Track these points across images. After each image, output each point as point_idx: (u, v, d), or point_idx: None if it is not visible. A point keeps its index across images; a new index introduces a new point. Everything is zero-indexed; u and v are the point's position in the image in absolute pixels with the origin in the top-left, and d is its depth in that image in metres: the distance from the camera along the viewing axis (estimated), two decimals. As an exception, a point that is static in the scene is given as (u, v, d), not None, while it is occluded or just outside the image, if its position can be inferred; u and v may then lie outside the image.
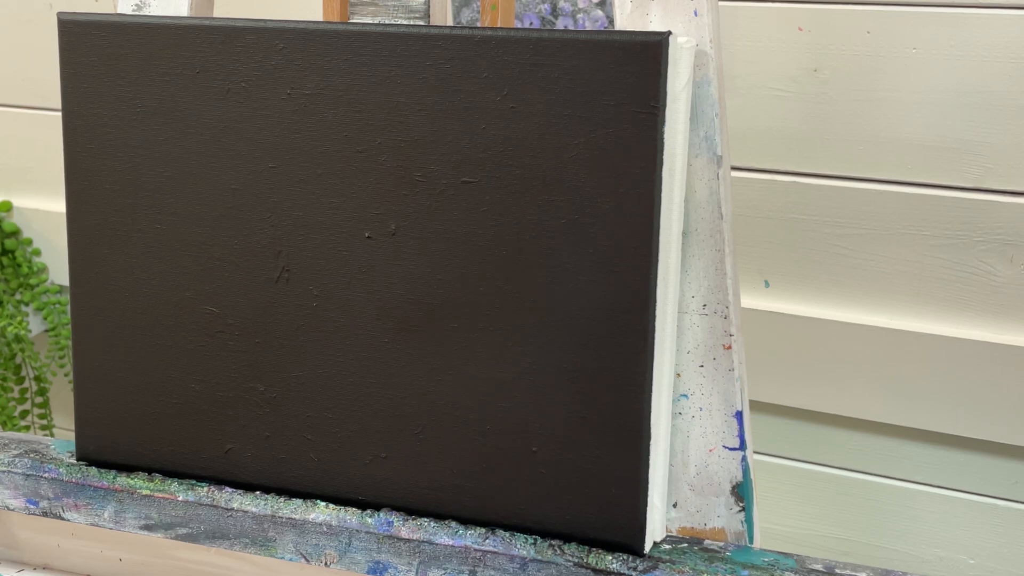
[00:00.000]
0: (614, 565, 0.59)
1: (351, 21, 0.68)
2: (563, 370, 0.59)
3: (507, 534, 0.61)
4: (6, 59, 1.29)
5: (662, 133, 0.56)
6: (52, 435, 1.36)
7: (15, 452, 0.71)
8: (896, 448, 1.03)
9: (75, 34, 0.66)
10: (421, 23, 0.67)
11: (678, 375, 0.62)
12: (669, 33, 0.55)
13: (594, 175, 0.57)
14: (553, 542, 0.61)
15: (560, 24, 0.95)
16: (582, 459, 0.60)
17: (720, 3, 0.78)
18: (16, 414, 1.34)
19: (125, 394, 0.68)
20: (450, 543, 0.62)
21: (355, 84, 0.60)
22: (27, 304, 1.33)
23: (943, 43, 0.91)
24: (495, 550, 0.61)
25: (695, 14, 0.59)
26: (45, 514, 0.70)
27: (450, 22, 0.76)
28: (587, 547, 0.60)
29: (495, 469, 0.61)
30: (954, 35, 0.91)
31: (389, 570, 0.63)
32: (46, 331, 1.34)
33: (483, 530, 0.62)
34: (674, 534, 0.64)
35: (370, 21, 0.68)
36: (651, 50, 0.55)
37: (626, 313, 0.57)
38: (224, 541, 0.66)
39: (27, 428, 1.35)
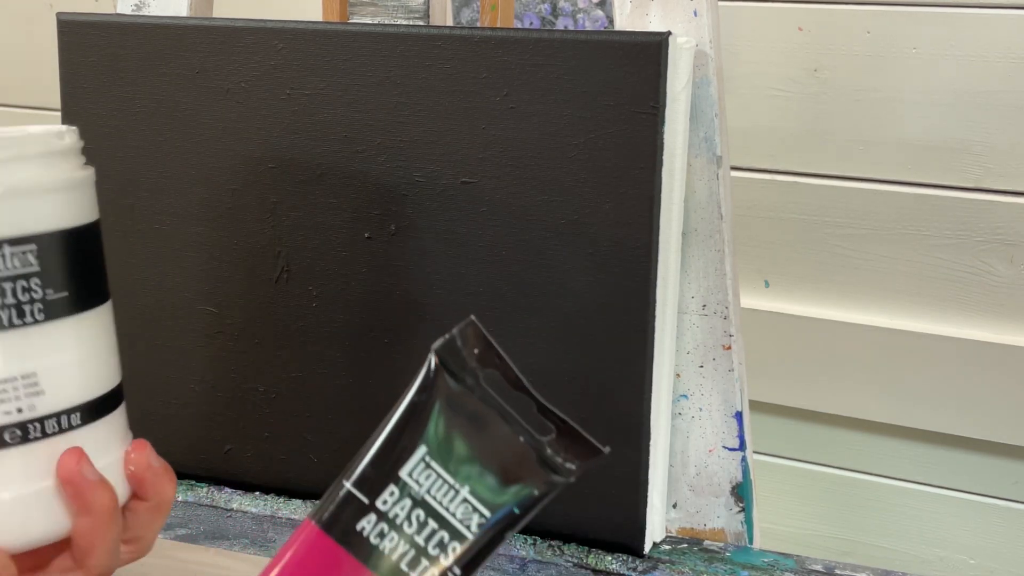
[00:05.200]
0: (614, 566, 0.59)
1: (351, 21, 0.68)
2: (563, 370, 0.59)
3: (507, 534, 0.61)
4: (6, 59, 1.29)
5: (662, 134, 0.56)
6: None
7: (15, 452, 0.71)
8: (896, 448, 1.03)
9: (75, 34, 0.66)
10: (421, 23, 0.67)
11: (678, 375, 0.62)
12: (669, 33, 0.55)
13: (594, 175, 0.57)
14: (553, 543, 0.61)
15: (560, 24, 0.95)
16: (582, 459, 0.59)
17: (720, 3, 0.78)
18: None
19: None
20: (450, 543, 0.62)
21: (355, 84, 0.60)
22: (27, 304, 1.33)
23: (943, 43, 0.91)
24: (495, 550, 0.61)
25: (695, 14, 0.59)
26: (45, 514, 0.70)
27: (450, 22, 0.76)
28: (587, 548, 0.60)
29: (495, 469, 0.61)
30: (954, 35, 0.91)
31: (389, 570, 0.63)
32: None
33: (483, 530, 0.62)
34: (674, 535, 0.64)
35: (370, 21, 0.68)
36: (651, 50, 0.55)
37: (626, 313, 0.57)
38: (224, 541, 0.66)
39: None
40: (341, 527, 0.36)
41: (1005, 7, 0.89)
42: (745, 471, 0.62)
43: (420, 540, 0.36)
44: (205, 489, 0.67)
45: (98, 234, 0.41)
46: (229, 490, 0.67)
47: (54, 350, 0.38)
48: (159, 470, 0.43)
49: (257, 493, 0.66)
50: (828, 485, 1.07)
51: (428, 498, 0.36)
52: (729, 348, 0.61)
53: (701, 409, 0.62)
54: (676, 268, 0.60)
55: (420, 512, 0.36)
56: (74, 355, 0.39)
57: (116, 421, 0.42)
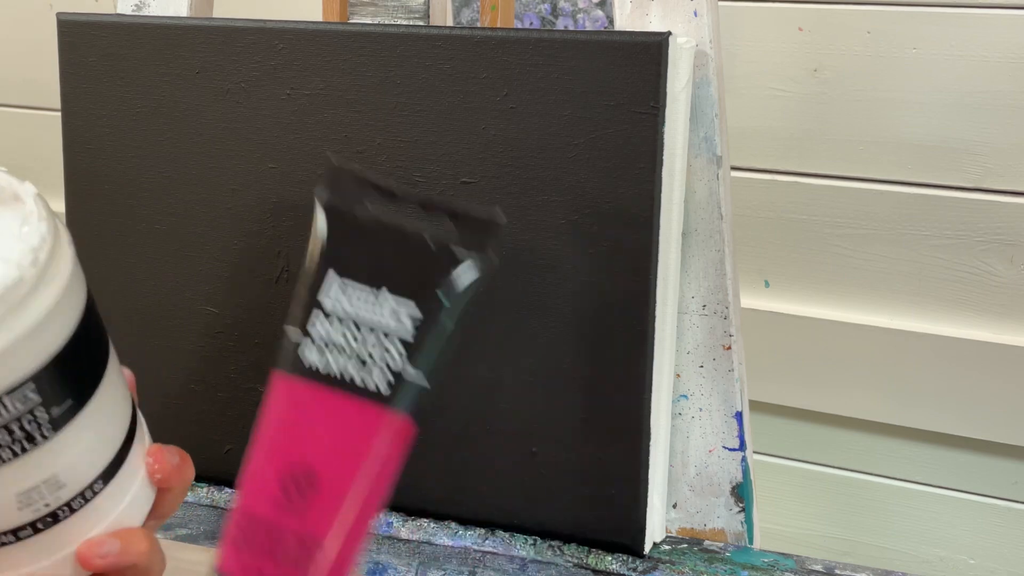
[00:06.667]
0: (614, 566, 0.59)
1: (351, 21, 0.68)
2: (563, 370, 0.59)
3: (507, 535, 0.61)
4: (6, 59, 1.29)
5: (662, 133, 0.56)
6: (52, 435, 1.36)
7: (15, 452, 0.71)
8: (896, 448, 1.03)
9: (75, 34, 0.66)
10: (421, 23, 0.67)
11: (678, 375, 0.62)
12: (669, 33, 0.55)
13: (594, 175, 0.57)
14: (553, 543, 0.61)
15: (560, 24, 0.95)
16: (582, 459, 0.59)
17: (720, 3, 0.78)
18: (16, 414, 1.33)
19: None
20: (450, 544, 0.62)
21: (355, 84, 0.60)
22: (27, 304, 1.33)
23: (943, 43, 0.91)
24: (495, 551, 0.61)
25: (695, 14, 0.59)
26: (45, 514, 0.70)
27: (450, 22, 0.76)
28: (587, 548, 0.60)
29: (495, 469, 0.61)
30: (954, 35, 0.91)
31: (389, 571, 0.63)
32: (46, 331, 1.34)
33: (483, 531, 0.62)
34: (674, 535, 0.64)
35: (370, 21, 0.68)
36: (651, 50, 0.55)
37: (626, 313, 0.57)
38: (224, 541, 0.66)
39: (27, 428, 1.35)
40: (289, 363, 0.39)
41: (1005, 7, 0.89)
42: (745, 471, 0.62)
43: (360, 349, 0.38)
44: (205, 489, 0.67)
45: (89, 321, 0.40)
46: (229, 490, 0.67)
47: (68, 449, 0.39)
48: (181, 466, 0.44)
49: (257, 493, 0.66)
50: (828, 485, 1.07)
51: (353, 312, 0.38)
52: (729, 348, 0.61)
53: (701, 409, 0.62)
54: (676, 268, 0.60)
55: (351, 326, 0.38)
56: (87, 440, 0.40)
57: (135, 453, 0.43)
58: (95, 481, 0.40)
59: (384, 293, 0.38)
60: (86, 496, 0.40)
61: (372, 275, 0.38)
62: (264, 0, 1.03)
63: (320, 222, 0.39)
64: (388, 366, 0.38)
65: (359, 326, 0.38)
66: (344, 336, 0.38)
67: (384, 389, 0.38)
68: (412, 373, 0.38)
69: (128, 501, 0.42)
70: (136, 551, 0.41)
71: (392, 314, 0.38)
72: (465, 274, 0.39)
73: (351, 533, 0.38)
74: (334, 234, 0.39)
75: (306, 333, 0.38)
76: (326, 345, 0.38)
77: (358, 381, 0.38)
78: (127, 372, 0.45)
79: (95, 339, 0.41)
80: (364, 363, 0.38)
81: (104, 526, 0.41)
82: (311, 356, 0.38)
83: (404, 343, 0.38)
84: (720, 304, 0.61)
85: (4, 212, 0.38)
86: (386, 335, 0.38)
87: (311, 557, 0.38)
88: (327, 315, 0.38)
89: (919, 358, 0.98)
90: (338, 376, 0.38)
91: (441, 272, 0.38)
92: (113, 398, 0.41)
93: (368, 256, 0.39)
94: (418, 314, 0.38)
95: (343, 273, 0.38)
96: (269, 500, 0.38)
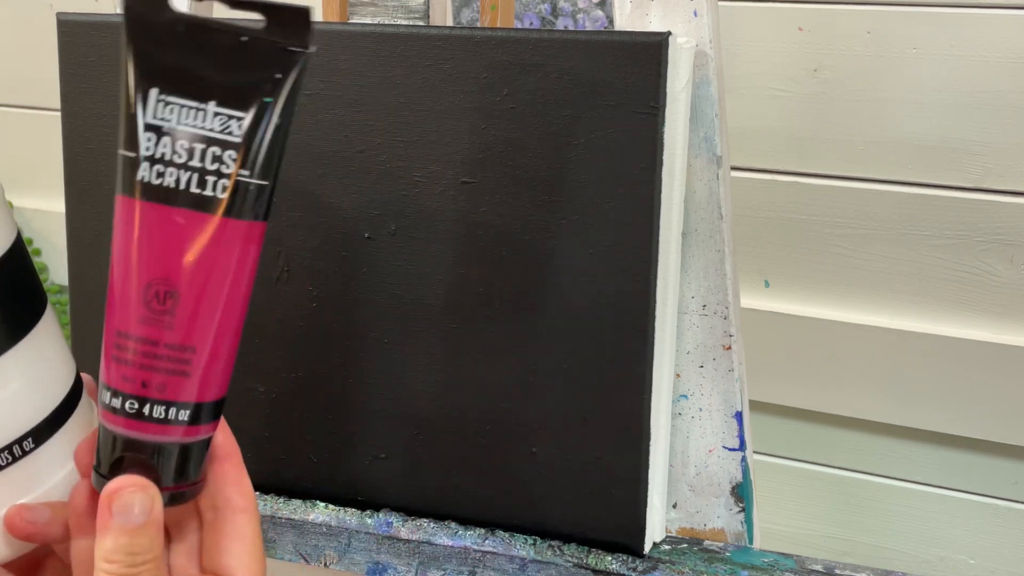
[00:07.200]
0: (614, 566, 0.59)
1: (351, 21, 0.68)
2: (563, 370, 0.59)
3: (506, 535, 0.61)
4: (6, 59, 1.29)
5: (662, 133, 0.56)
6: (52, 435, 1.36)
7: (15, 452, 0.71)
8: (896, 448, 1.03)
9: (74, 34, 0.66)
10: (421, 23, 0.67)
11: (678, 375, 0.62)
12: (669, 33, 0.55)
13: (594, 175, 0.57)
14: (553, 543, 0.61)
15: (560, 24, 0.95)
16: (582, 459, 0.59)
17: (720, 3, 0.78)
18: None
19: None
20: (449, 543, 0.62)
21: (355, 84, 0.60)
22: (27, 304, 1.33)
23: (943, 43, 0.91)
24: (494, 551, 0.61)
25: (695, 14, 0.59)
26: (45, 514, 0.70)
27: (450, 22, 0.76)
28: (587, 548, 0.60)
29: (495, 469, 0.61)
30: (954, 35, 0.91)
31: (389, 571, 0.63)
32: (46, 331, 1.34)
33: (482, 531, 0.62)
34: (674, 535, 0.64)
35: (370, 21, 0.68)
36: (651, 50, 0.55)
37: (626, 313, 0.57)
38: (224, 541, 0.66)
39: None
40: (128, 185, 0.38)
41: (1005, 7, 0.89)
42: (745, 471, 0.62)
43: (195, 163, 0.38)
44: (205, 489, 0.67)
45: (9, 267, 0.40)
46: (229, 490, 0.67)
47: None
48: None
49: (257, 493, 0.66)
50: (828, 485, 1.07)
51: (182, 127, 0.38)
52: (729, 348, 0.61)
53: (701, 409, 0.62)
54: (676, 268, 0.60)
55: (182, 142, 0.38)
56: (10, 390, 0.39)
57: (77, 427, 0.42)
58: (23, 438, 0.39)
59: (211, 107, 0.38)
60: (14, 452, 0.39)
61: (194, 86, 0.38)
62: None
63: (125, 33, 0.38)
64: (223, 173, 0.38)
65: (189, 141, 0.38)
66: (175, 152, 0.38)
67: (224, 197, 0.38)
68: (247, 175, 0.39)
69: (66, 474, 0.41)
70: (66, 525, 0.40)
71: (219, 122, 0.38)
72: (288, 68, 0.38)
73: (221, 334, 0.40)
74: (144, 45, 0.38)
75: (138, 154, 0.38)
76: (161, 163, 0.38)
77: (197, 193, 0.38)
78: (87, 378, 0.45)
79: (19, 289, 0.40)
80: (200, 174, 0.38)
81: (37, 494, 0.40)
82: (148, 176, 0.38)
83: (235, 147, 0.38)
84: (720, 304, 0.61)
85: None
86: (217, 143, 0.38)
87: (188, 362, 0.39)
88: (156, 134, 0.38)
89: (919, 358, 0.98)
90: (177, 191, 0.38)
91: (263, 70, 0.38)
92: (44, 359, 0.41)
93: (185, 65, 0.38)
94: (246, 116, 0.38)
95: (165, 92, 0.38)
96: (137, 319, 0.39)
